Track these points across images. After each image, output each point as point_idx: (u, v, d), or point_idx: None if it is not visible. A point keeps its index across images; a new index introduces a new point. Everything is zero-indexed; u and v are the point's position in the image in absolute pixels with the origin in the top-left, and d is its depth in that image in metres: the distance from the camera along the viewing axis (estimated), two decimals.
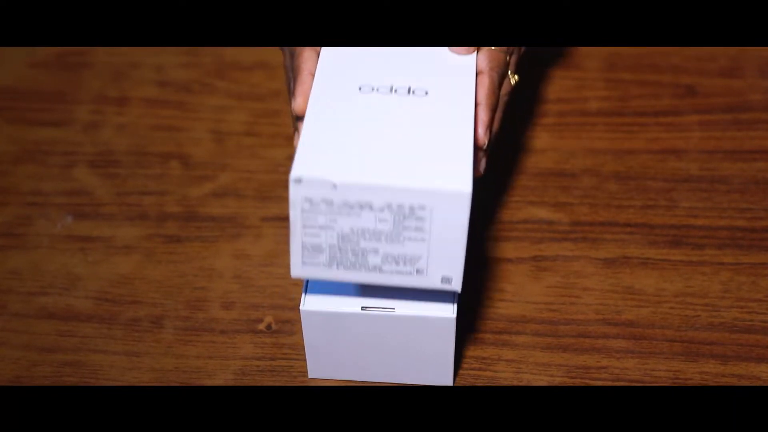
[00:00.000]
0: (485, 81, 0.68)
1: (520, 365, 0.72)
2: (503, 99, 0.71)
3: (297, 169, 0.61)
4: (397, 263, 0.63)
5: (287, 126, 0.86)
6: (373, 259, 0.63)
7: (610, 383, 0.71)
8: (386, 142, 0.63)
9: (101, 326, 0.74)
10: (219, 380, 0.71)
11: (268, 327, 0.74)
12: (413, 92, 0.66)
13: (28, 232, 0.80)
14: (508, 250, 0.78)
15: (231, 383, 0.71)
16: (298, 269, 0.64)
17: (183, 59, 0.92)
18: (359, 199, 0.61)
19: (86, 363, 0.72)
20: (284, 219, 0.80)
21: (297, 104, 0.68)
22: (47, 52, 0.92)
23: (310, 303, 0.67)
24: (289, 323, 0.74)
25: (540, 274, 0.76)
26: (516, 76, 0.72)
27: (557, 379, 0.71)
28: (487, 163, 0.69)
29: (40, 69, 0.91)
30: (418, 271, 0.63)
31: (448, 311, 0.67)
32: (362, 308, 0.67)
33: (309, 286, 0.68)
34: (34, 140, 0.86)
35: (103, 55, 0.92)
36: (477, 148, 0.67)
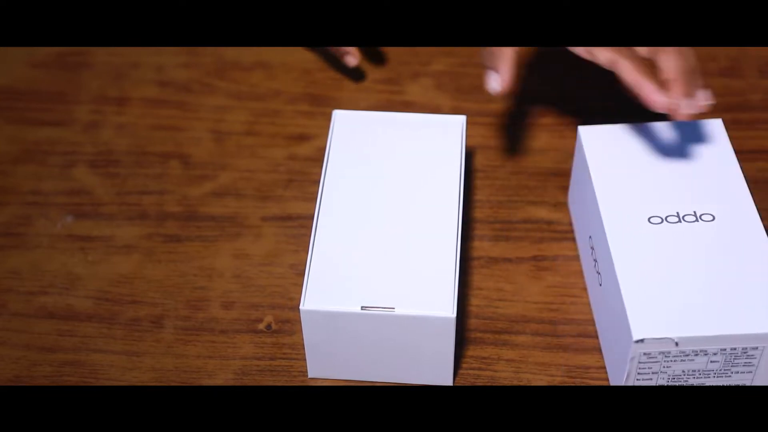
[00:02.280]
0: (622, 66, 0.68)
1: (520, 365, 0.72)
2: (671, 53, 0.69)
3: (638, 331, 0.63)
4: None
5: (287, 126, 0.86)
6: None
7: (610, 383, 0.71)
8: (701, 281, 0.65)
9: (101, 326, 0.74)
10: (219, 380, 0.71)
11: (268, 327, 0.74)
12: (700, 218, 0.68)
13: (28, 231, 0.80)
14: (507, 249, 0.78)
15: (231, 383, 0.71)
16: None
17: (183, 59, 0.92)
18: (695, 348, 0.64)
19: (86, 363, 0.72)
20: (284, 219, 0.80)
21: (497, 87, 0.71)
22: (47, 52, 0.92)
23: (309, 302, 0.67)
24: (289, 323, 0.74)
25: (540, 274, 0.76)
26: None
27: (557, 378, 0.71)
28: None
29: (40, 69, 0.91)
30: None
31: (448, 310, 0.67)
32: (362, 308, 0.67)
33: (308, 285, 0.68)
34: (34, 140, 0.86)
35: (103, 55, 0.92)
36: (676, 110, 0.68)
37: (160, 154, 0.85)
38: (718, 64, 0.90)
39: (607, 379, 0.71)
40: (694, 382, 0.66)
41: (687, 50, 0.69)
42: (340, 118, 0.77)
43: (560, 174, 0.82)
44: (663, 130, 0.74)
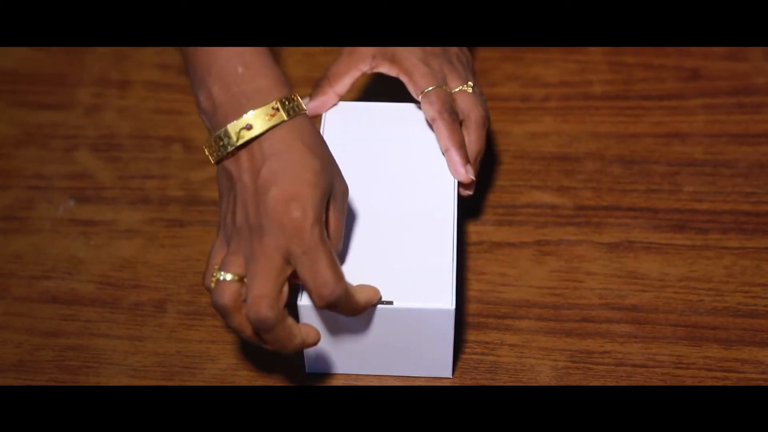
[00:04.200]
0: (439, 126, 0.72)
1: (522, 350, 0.72)
2: (474, 114, 0.73)
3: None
4: None
5: None
6: None
7: (613, 368, 0.71)
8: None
9: (104, 310, 0.74)
10: (222, 364, 0.71)
11: None
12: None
13: (31, 215, 0.80)
14: (511, 234, 0.78)
15: (233, 367, 0.71)
16: None
17: None
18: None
19: (89, 347, 0.72)
20: None
21: (311, 107, 0.75)
22: None
23: (307, 297, 0.67)
24: (292, 308, 0.74)
25: (543, 259, 0.76)
26: (470, 83, 0.74)
27: (560, 363, 0.71)
28: (475, 184, 0.73)
29: (41, 52, 0.91)
30: None
31: (447, 302, 0.66)
32: None
33: None
34: (36, 123, 0.86)
35: None
36: (465, 185, 0.72)
37: (163, 138, 0.84)
38: (723, 48, 0.90)
39: (612, 365, 0.71)
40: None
41: (483, 132, 0.74)
42: (332, 109, 0.76)
43: (563, 158, 0.82)
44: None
